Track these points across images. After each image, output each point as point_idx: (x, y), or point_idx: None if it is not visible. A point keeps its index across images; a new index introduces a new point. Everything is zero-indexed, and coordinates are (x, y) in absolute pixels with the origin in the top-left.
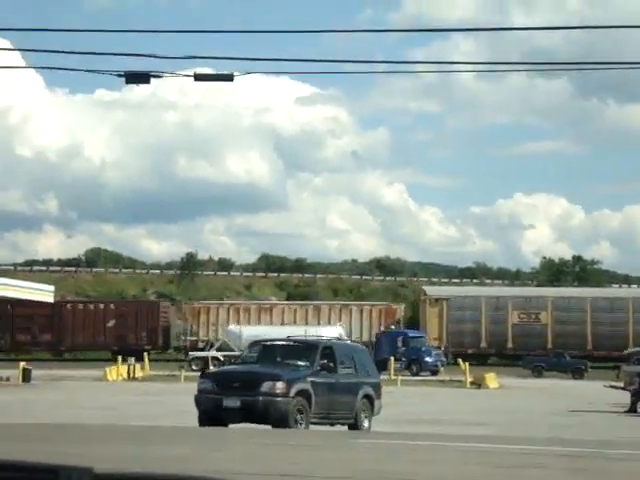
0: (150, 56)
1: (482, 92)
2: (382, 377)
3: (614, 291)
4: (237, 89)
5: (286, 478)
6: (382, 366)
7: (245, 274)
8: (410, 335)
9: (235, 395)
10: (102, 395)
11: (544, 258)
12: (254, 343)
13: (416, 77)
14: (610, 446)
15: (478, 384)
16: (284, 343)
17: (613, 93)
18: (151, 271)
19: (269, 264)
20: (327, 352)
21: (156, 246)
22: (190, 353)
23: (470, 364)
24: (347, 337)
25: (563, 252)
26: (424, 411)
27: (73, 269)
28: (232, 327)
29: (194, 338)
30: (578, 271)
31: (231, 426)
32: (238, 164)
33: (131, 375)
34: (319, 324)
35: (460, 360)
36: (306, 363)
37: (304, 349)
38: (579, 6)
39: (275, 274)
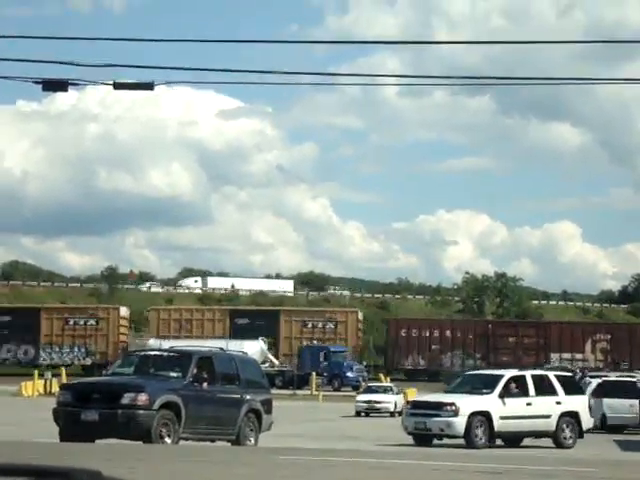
0: (68, 63)
1: (406, 109)
2: (304, 392)
3: None
4: (160, 102)
5: None
6: (304, 381)
7: (167, 287)
8: (332, 350)
9: (94, 408)
10: (11, 411)
11: (467, 274)
12: (129, 354)
13: (341, 93)
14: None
15: None
16: (158, 354)
17: (535, 111)
18: (70, 284)
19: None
20: (204, 363)
21: (76, 259)
22: None
23: None
24: (268, 351)
25: (484, 268)
26: (344, 427)
27: None
28: None
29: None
30: (500, 287)
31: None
32: (161, 177)
33: (47, 390)
34: None
35: (382, 375)
36: (178, 374)
37: (178, 360)
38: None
39: None
